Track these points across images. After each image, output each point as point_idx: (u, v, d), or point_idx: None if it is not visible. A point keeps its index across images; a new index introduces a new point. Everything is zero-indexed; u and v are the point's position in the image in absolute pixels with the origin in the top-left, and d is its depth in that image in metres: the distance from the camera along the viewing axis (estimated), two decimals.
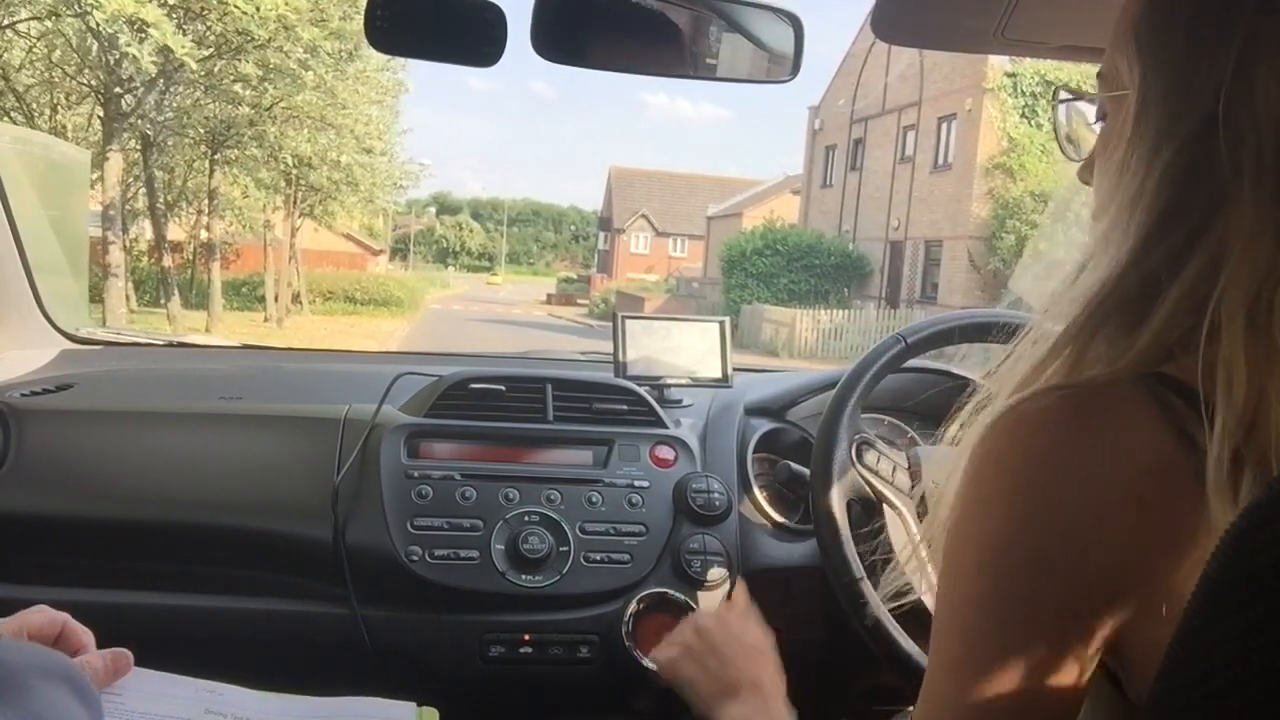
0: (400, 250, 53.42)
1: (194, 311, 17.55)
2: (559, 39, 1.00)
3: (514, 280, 59.55)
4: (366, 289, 23.76)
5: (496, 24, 1.00)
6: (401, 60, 16.87)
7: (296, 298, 21.48)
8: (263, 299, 20.14)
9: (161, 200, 16.97)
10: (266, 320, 18.83)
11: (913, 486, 1.16)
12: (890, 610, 1.07)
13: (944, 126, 20.36)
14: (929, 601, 1.11)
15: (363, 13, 1.01)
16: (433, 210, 70.89)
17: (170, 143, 15.61)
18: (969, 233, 18.73)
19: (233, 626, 1.25)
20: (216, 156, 16.20)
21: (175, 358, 1.83)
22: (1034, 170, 18.04)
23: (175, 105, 14.34)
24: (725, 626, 1.06)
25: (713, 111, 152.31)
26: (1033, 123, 18.33)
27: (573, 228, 78.79)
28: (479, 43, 1.01)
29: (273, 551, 1.25)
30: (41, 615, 0.76)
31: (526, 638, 1.24)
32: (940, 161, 20.57)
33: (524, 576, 1.24)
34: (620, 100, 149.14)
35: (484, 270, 63.13)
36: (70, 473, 1.27)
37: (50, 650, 0.68)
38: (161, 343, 1.92)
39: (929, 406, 1.47)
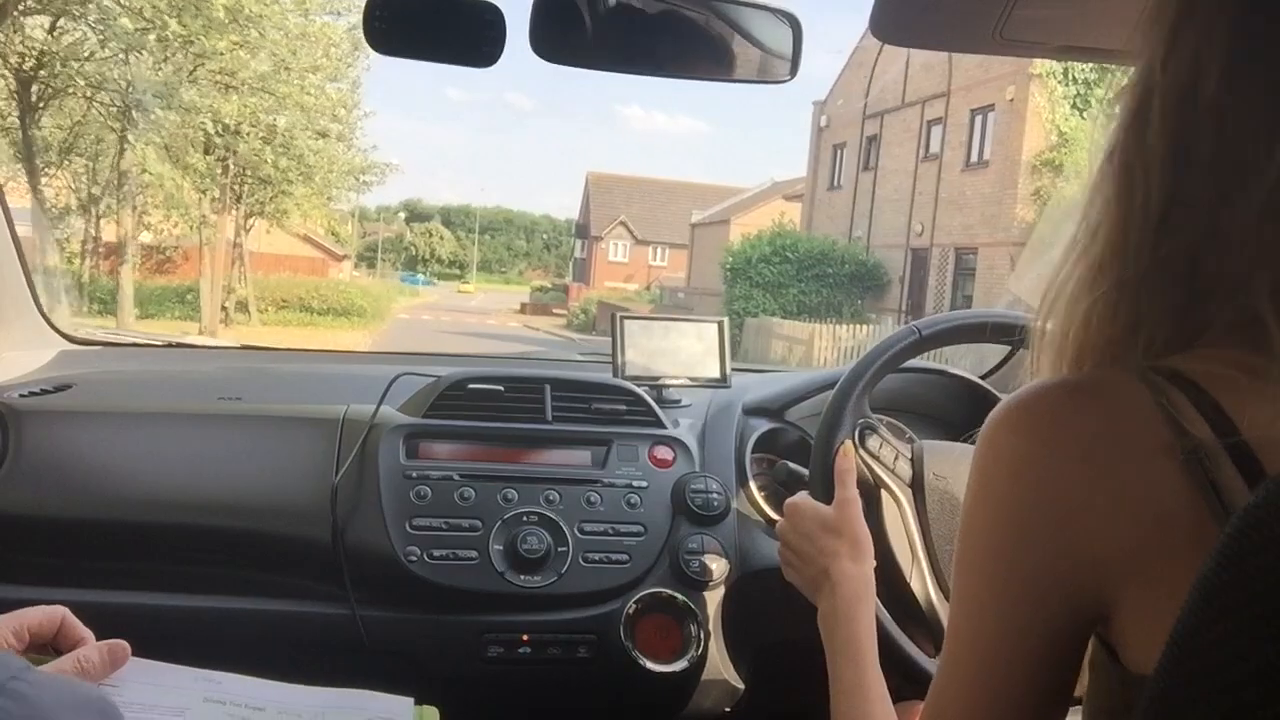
0: (369, 258, 52.65)
1: (106, 319, 14.91)
2: (557, 39, 1.00)
3: (486, 289, 58.19)
4: (325, 297, 21.31)
5: (495, 24, 1.00)
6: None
7: (243, 305, 19.18)
8: (219, 307, 17.59)
9: (85, 192, 14.74)
10: (201, 332, 16.28)
11: (913, 477, 1.16)
12: (886, 604, 1.07)
13: (978, 119, 18.02)
14: (918, 590, 1.12)
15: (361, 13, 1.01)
16: (402, 217, 70.20)
17: (63, 106, 12.90)
18: (1012, 239, 16.06)
19: (231, 627, 1.25)
20: (127, 131, 13.15)
21: (174, 358, 1.83)
22: (1089, 169, 16.66)
23: (58, 50, 11.27)
24: (793, 520, 1.07)
25: (689, 124, 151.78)
26: (1085, 114, 15.82)
27: (544, 236, 77.79)
28: (478, 43, 1.01)
29: (271, 552, 1.25)
30: (39, 612, 0.75)
31: (525, 638, 1.24)
32: (974, 158, 18.18)
33: (522, 576, 1.24)
34: (596, 112, 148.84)
35: (454, 278, 61.95)
36: (69, 473, 1.27)
37: (86, 684, 0.67)
38: (160, 343, 1.92)
39: (927, 406, 1.47)
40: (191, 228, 17.06)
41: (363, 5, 1.00)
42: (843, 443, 1.12)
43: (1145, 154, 0.59)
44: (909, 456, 1.17)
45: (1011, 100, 16.61)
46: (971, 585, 0.63)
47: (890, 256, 20.17)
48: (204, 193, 16.10)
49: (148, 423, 1.34)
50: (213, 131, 13.93)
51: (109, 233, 17.20)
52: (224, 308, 17.84)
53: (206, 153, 14.99)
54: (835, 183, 23.43)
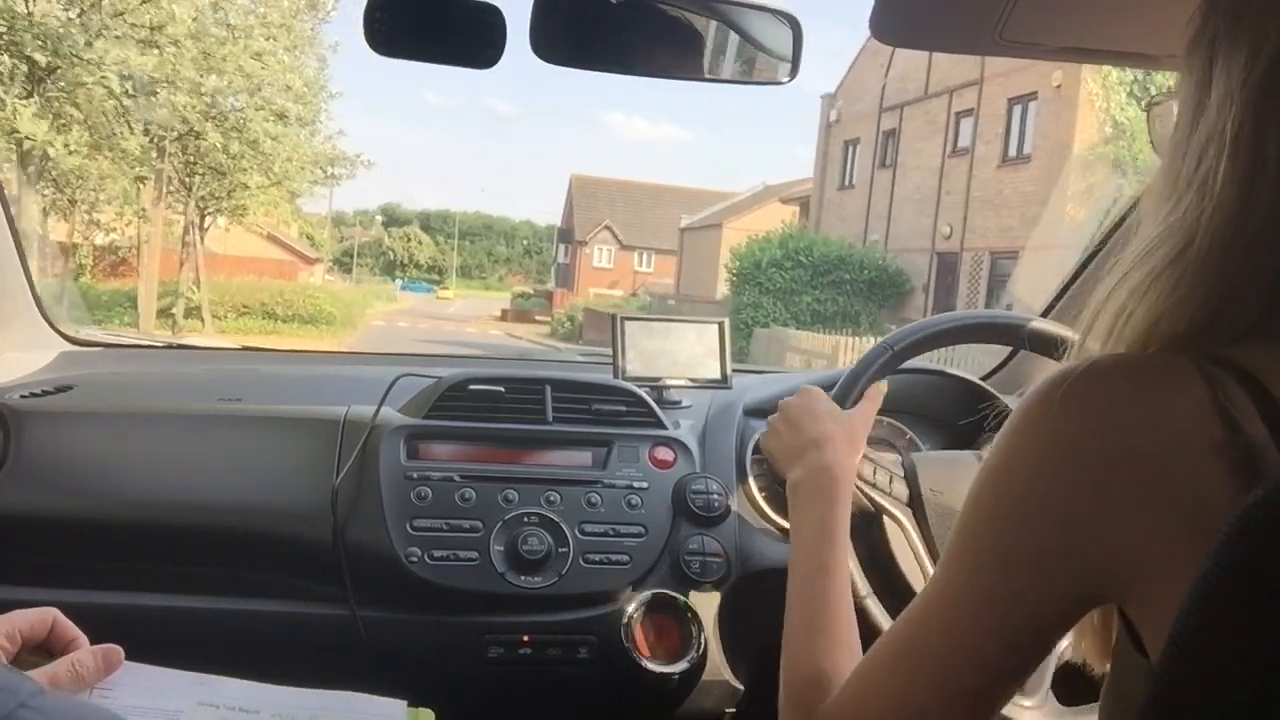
0: (346, 263, 51.37)
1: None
2: (558, 40, 1.00)
3: (465, 294, 56.46)
4: (290, 302, 19.29)
5: (496, 25, 1.00)
6: None
7: (195, 310, 16.95)
8: (167, 312, 15.89)
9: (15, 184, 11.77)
10: None
11: (910, 495, 1.15)
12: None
13: (1017, 109, 16.36)
14: None
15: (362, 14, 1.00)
16: (380, 221, 69.25)
17: None
18: (1059, 240, 13.59)
19: (232, 628, 1.25)
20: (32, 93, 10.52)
21: (174, 360, 1.83)
22: (1150, 164, 14.63)
23: None
24: (803, 399, 1.09)
25: (671, 131, 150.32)
26: (1144, 104, 14.83)
27: (525, 242, 76.70)
28: (479, 44, 1.01)
29: (272, 553, 1.25)
30: (29, 614, 0.75)
31: (525, 639, 1.24)
32: (1013, 152, 16.42)
33: (523, 577, 1.24)
34: (578, 118, 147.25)
35: (433, 283, 60.36)
36: (69, 474, 1.27)
37: (100, 708, 0.67)
38: (161, 344, 1.93)
39: (926, 407, 1.48)
40: (135, 216, 15.04)
41: None
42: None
43: None
44: (902, 474, 1.16)
45: (1059, 87, 14.92)
46: (972, 543, 0.62)
47: (912, 262, 18.39)
48: (142, 181, 13.88)
49: (148, 424, 1.34)
50: (119, 90, 11.31)
51: (59, 231, 15.50)
52: (171, 313, 15.94)
53: (146, 134, 12.78)
54: (847, 182, 21.60)
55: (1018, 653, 0.61)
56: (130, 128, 12.50)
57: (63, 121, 11.51)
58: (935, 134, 18.34)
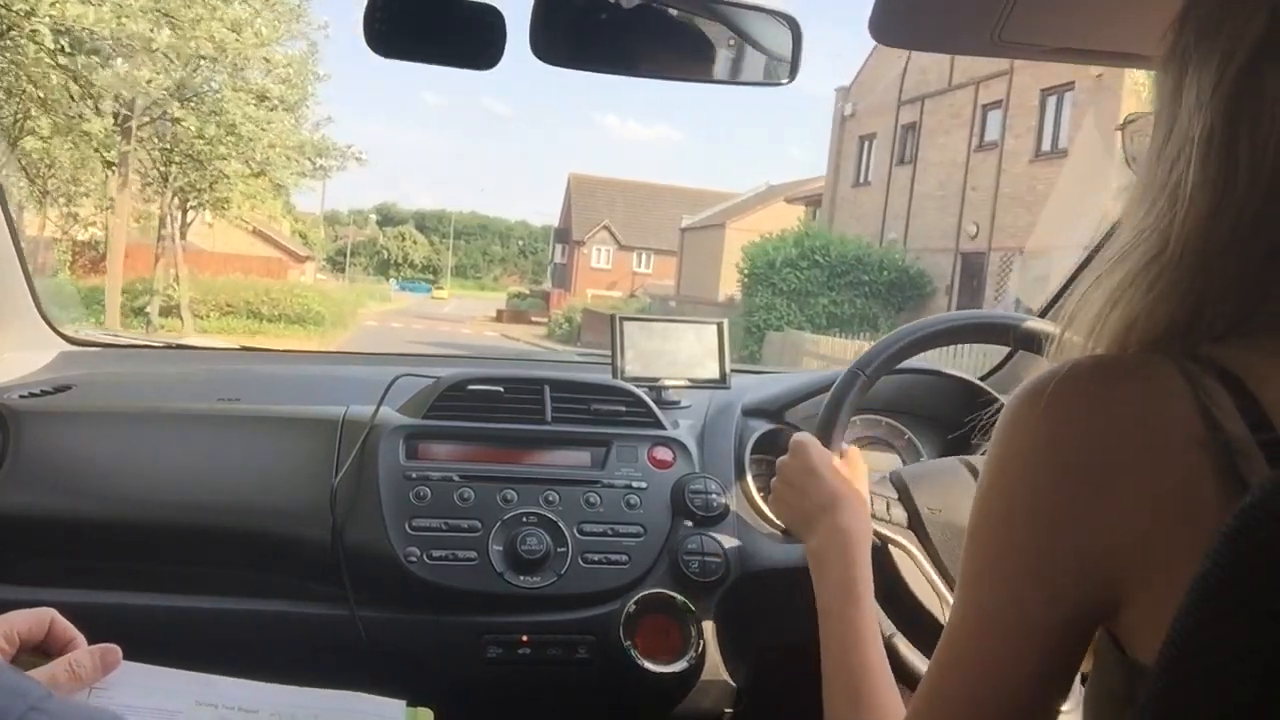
0: (340, 262, 51.33)
1: None
2: (557, 41, 1.01)
3: (460, 294, 55.95)
4: (277, 301, 18.39)
5: (496, 26, 1.00)
6: None
7: (172, 309, 16.01)
8: (142, 311, 15.17)
9: None
10: None
11: (909, 517, 1.14)
12: (927, 653, 1.04)
13: (1051, 101, 15.52)
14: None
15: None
16: (374, 220, 69.18)
17: None
18: (1098, 241, 12.58)
19: (230, 628, 1.25)
20: None
21: (173, 359, 1.83)
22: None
23: None
24: (797, 458, 1.05)
25: (665, 132, 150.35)
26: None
27: (520, 242, 76.55)
28: (479, 45, 1.01)
29: (271, 553, 1.26)
30: (27, 615, 0.75)
31: (524, 639, 1.24)
32: (1047, 146, 15.56)
33: (522, 577, 1.24)
34: (574, 120, 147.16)
35: (429, 283, 60.20)
36: (68, 474, 1.27)
37: (107, 712, 0.67)
38: (160, 344, 1.93)
39: (923, 407, 1.48)
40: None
41: None
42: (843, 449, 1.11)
43: (1255, 136, 0.57)
44: (896, 496, 1.16)
45: (1099, 76, 13.87)
46: (981, 570, 0.62)
47: (935, 262, 17.33)
48: (110, 167, 12.89)
49: (147, 424, 1.34)
50: (52, 45, 9.98)
51: (34, 225, 14.54)
52: (145, 312, 15.23)
53: (114, 116, 11.92)
54: (862, 178, 20.55)
55: (1051, 665, 0.60)
56: (98, 109, 11.58)
57: (17, 99, 10.65)
58: (960, 128, 17.47)
